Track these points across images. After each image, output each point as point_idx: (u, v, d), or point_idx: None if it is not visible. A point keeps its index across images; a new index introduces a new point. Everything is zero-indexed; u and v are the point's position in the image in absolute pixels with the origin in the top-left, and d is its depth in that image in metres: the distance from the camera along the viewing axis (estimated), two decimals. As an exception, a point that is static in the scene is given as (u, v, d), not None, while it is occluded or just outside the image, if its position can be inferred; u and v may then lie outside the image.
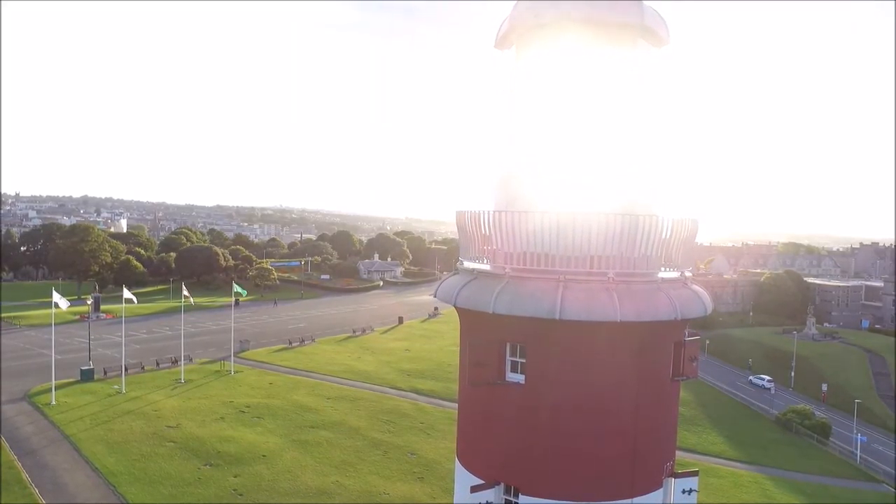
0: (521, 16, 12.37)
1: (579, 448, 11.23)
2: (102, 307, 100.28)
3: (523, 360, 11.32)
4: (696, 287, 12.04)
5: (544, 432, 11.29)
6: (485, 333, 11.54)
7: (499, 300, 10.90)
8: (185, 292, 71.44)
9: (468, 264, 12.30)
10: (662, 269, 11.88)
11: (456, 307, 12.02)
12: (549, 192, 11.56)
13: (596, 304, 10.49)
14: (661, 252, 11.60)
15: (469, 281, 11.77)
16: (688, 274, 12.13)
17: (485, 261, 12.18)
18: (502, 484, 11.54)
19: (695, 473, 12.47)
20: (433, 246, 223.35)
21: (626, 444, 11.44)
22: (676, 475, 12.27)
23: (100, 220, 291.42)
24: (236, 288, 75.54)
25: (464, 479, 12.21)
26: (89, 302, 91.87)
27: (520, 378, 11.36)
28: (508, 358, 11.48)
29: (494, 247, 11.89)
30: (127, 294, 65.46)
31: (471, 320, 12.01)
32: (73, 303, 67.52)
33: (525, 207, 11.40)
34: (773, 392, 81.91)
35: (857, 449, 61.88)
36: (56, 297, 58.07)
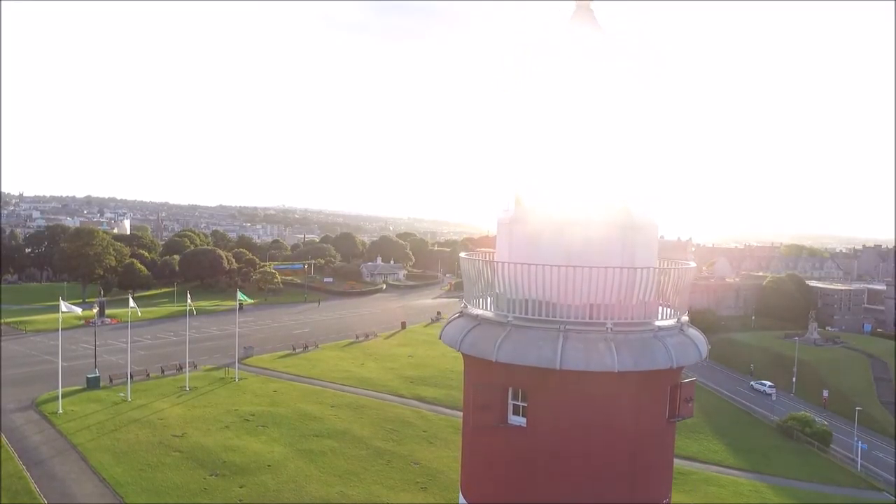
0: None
1: (578, 488, 11.69)
2: (107, 311, 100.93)
3: (525, 405, 11.80)
4: (691, 332, 12.52)
5: (545, 473, 11.77)
6: (488, 378, 12.00)
7: (501, 349, 11.40)
8: (189, 301, 72.03)
9: (472, 309, 12.76)
10: (660, 310, 12.48)
11: (460, 352, 12.50)
12: (552, 238, 12.00)
13: (594, 354, 10.99)
14: (658, 299, 12.20)
15: (473, 327, 12.24)
16: (684, 319, 12.61)
17: (488, 307, 12.70)
18: (504, 521, 12.01)
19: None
20: (436, 248, 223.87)
21: (623, 484, 11.91)
22: (672, 512, 12.73)
23: (103, 220, 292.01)
24: (240, 296, 76.13)
25: (468, 515, 12.70)
26: (94, 309, 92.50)
27: (521, 421, 11.83)
28: (511, 402, 11.94)
29: (497, 292, 12.39)
30: (130, 303, 66.16)
31: (474, 365, 12.47)
32: (77, 306, 67.81)
33: (528, 254, 11.88)
34: (774, 398, 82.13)
35: (857, 456, 62.14)
36: (64, 306, 58.54)
